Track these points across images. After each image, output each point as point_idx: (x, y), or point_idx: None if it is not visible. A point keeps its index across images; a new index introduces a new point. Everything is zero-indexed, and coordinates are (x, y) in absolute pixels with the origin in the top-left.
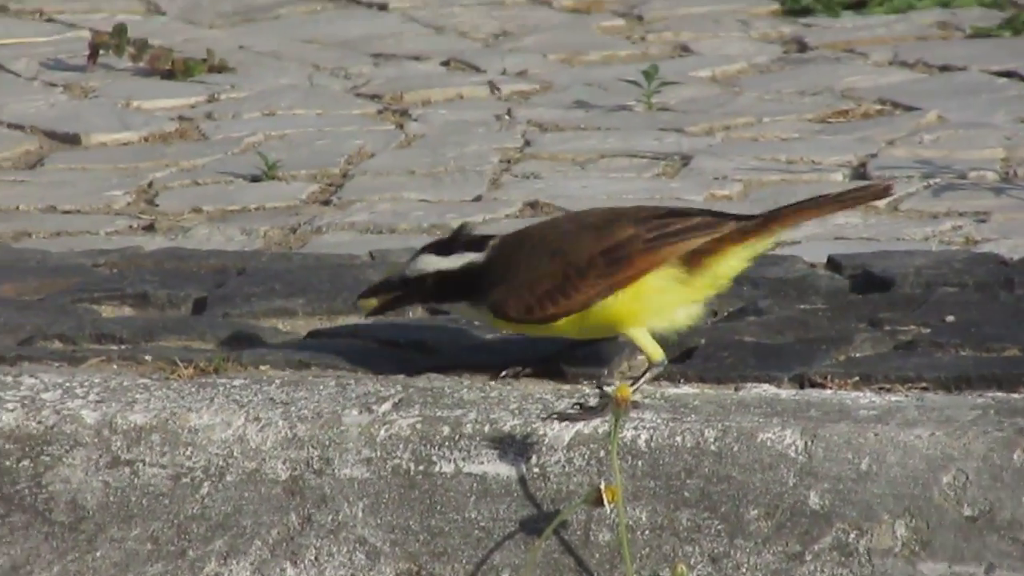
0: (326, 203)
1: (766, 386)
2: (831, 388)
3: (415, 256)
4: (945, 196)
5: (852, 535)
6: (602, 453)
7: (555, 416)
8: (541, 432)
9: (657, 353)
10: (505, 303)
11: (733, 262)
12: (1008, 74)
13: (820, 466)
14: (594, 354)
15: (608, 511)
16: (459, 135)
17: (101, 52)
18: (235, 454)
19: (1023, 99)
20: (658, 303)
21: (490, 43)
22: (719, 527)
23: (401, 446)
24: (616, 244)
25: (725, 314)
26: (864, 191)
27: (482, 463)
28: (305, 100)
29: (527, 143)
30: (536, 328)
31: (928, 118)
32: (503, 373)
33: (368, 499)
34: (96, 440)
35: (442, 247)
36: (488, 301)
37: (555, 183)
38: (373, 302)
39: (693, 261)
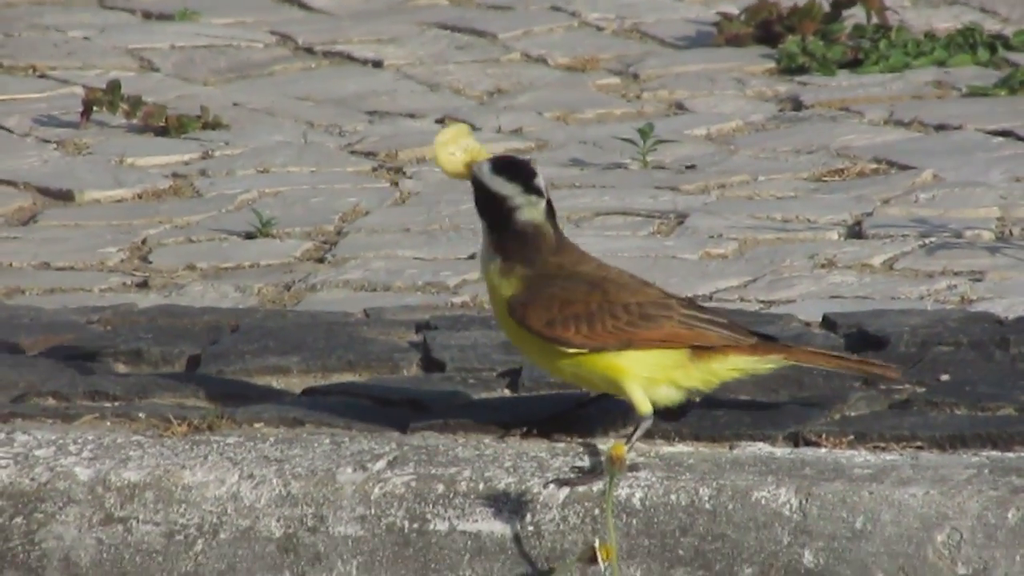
0: (320, 260)
1: (761, 444)
2: (826, 447)
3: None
4: (940, 255)
5: None
6: (597, 511)
7: (555, 482)
8: (536, 490)
9: (646, 406)
10: (529, 306)
11: (733, 370)
12: (1004, 133)
13: (814, 524)
14: (589, 417)
15: (603, 569)
16: (453, 193)
17: (95, 109)
18: (229, 511)
19: (1019, 158)
20: (659, 373)
21: (485, 101)
22: None
23: (396, 504)
24: (653, 303)
25: None
26: (876, 367)
27: (476, 521)
28: (299, 157)
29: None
30: (534, 347)
31: (923, 177)
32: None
33: (362, 557)
34: (89, 497)
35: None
36: (513, 294)
37: None
38: None
39: (704, 354)
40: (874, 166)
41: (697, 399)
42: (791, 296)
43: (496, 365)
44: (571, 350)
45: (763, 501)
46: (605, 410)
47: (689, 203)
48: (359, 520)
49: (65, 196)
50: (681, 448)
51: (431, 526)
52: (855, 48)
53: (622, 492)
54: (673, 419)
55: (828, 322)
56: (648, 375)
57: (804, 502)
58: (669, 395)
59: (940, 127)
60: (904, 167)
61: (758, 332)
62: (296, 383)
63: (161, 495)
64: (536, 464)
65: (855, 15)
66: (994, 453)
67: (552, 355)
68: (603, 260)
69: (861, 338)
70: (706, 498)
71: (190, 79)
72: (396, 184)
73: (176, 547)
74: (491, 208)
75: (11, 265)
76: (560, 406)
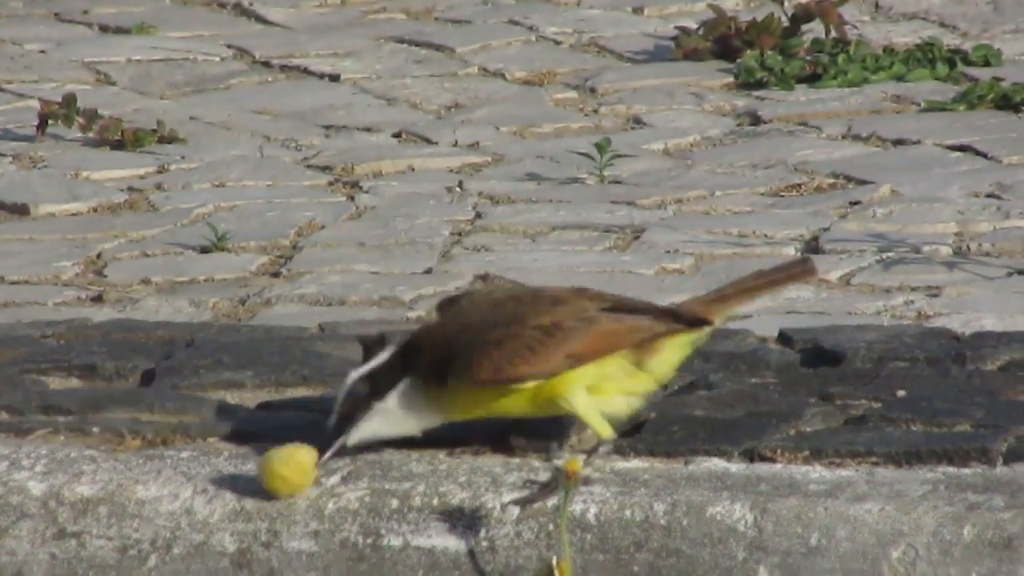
0: (276, 275)
1: (716, 460)
2: (781, 462)
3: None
4: (897, 270)
5: None
6: (551, 526)
7: (513, 503)
8: (490, 505)
9: (606, 431)
10: (474, 362)
11: (677, 352)
12: (962, 148)
13: (770, 540)
14: (542, 429)
15: None
16: (410, 207)
17: (50, 122)
18: (183, 526)
19: (977, 173)
20: (609, 384)
21: (442, 115)
22: None
23: (349, 519)
24: (579, 316)
25: (675, 388)
26: (794, 269)
27: (430, 536)
28: (255, 171)
29: (478, 215)
30: (489, 400)
31: (881, 192)
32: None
33: (316, 572)
34: (43, 512)
35: (358, 365)
36: (446, 368)
37: (506, 256)
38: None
39: (644, 350)
40: (831, 181)
41: (652, 414)
42: (747, 312)
43: None
44: (527, 385)
45: (718, 517)
46: (558, 423)
47: (646, 218)
48: (313, 535)
49: (20, 210)
50: (636, 463)
51: (385, 541)
52: (813, 63)
53: (577, 507)
54: (628, 435)
55: (784, 337)
56: (599, 389)
57: (759, 518)
58: (627, 405)
59: (898, 142)
60: (862, 182)
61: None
62: (250, 398)
63: (115, 510)
64: (490, 479)
65: (814, 29)
66: (950, 469)
67: (505, 401)
68: (557, 276)
69: (817, 353)
70: (661, 513)
71: (147, 93)
72: (352, 199)
73: (130, 562)
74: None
75: None
76: (512, 420)
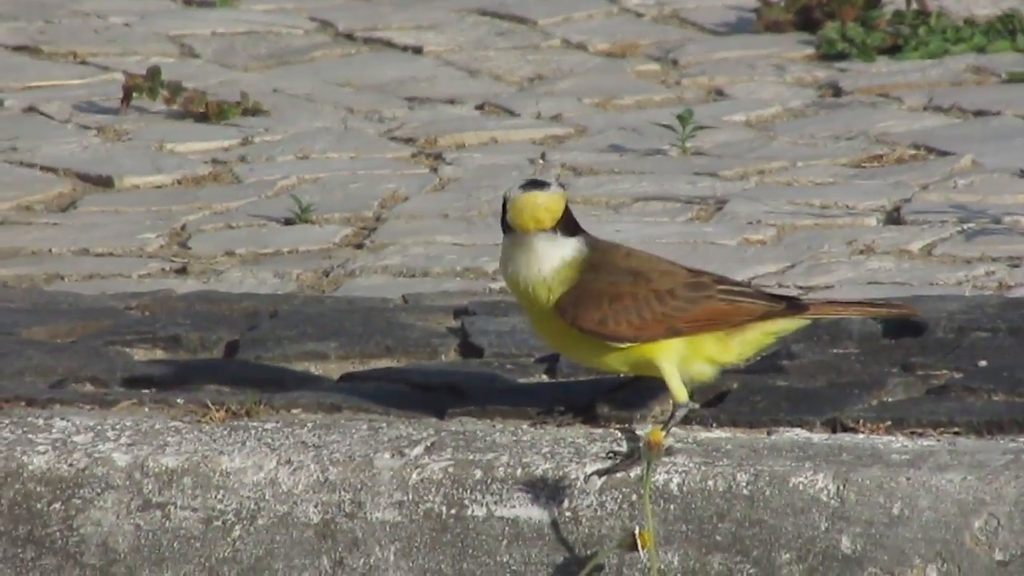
0: (359, 246)
1: (798, 430)
2: (863, 432)
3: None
4: (978, 241)
5: None
6: (634, 497)
7: (596, 473)
8: (573, 476)
9: (682, 394)
10: (580, 308)
11: (766, 335)
12: None
13: (852, 510)
14: (626, 400)
15: (641, 556)
16: (492, 179)
17: (135, 95)
18: (267, 497)
19: None
20: (697, 353)
21: (524, 87)
22: (751, 571)
23: (433, 490)
24: (691, 284)
25: (758, 359)
26: (893, 307)
27: (514, 507)
28: (339, 143)
29: (561, 186)
30: (580, 344)
31: (962, 163)
32: (543, 415)
33: (400, 542)
34: (128, 483)
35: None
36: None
37: (589, 227)
38: None
39: (739, 326)
40: (913, 152)
41: (735, 385)
42: (829, 282)
43: (534, 351)
44: (623, 345)
45: (800, 487)
46: (641, 394)
47: (728, 189)
48: (397, 505)
49: (105, 182)
50: (719, 434)
51: (468, 512)
52: (894, 34)
53: (659, 478)
54: (710, 405)
55: None
56: (687, 355)
57: (842, 488)
58: (704, 371)
59: (979, 113)
60: (943, 153)
61: (778, 295)
62: (334, 369)
63: (199, 481)
64: (573, 450)
65: (894, 1)
66: None
67: (598, 350)
68: (639, 247)
69: (899, 324)
70: (743, 484)
71: (230, 65)
72: (435, 170)
73: (214, 533)
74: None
75: (51, 251)
76: (597, 391)
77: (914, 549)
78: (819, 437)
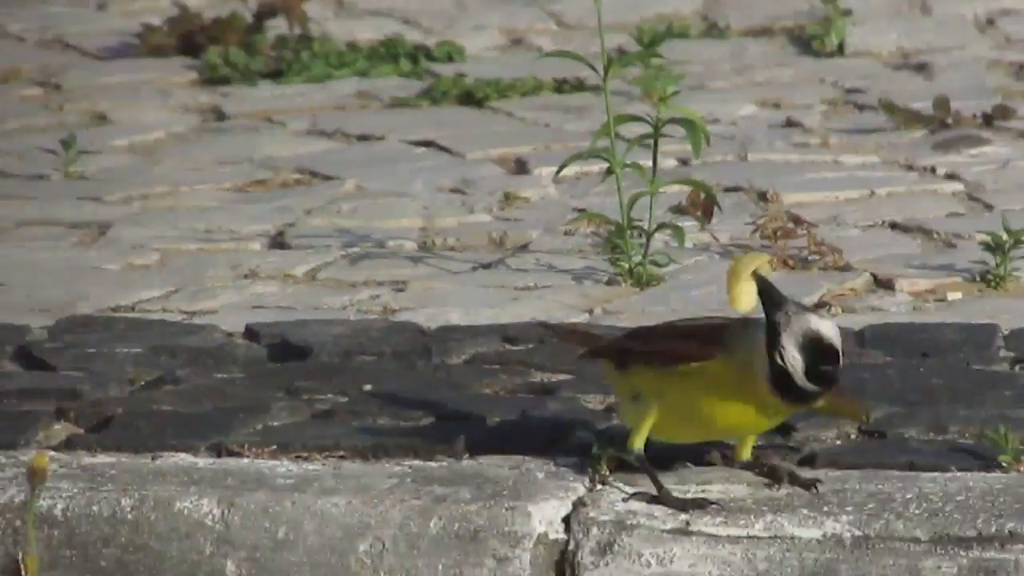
0: None
1: (184, 455)
2: (248, 457)
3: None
4: (363, 265)
5: None
6: (18, 522)
7: None
8: None
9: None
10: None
11: None
12: (426, 143)
13: (237, 535)
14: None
15: None
16: None
17: None
18: None
19: (440, 168)
20: None
21: None
22: None
23: None
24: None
25: (142, 383)
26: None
27: None
28: None
29: None
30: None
31: (347, 187)
32: None
33: None
34: None
35: None
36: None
37: None
38: None
39: None
40: (297, 176)
41: (119, 410)
42: (213, 307)
43: None
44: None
45: (186, 511)
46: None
47: (112, 214)
48: None
49: None
50: (103, 459)
51: None
52: (278, 59)
53: (44, 503)
54: (95, 431)
55: (251, 332)
56: None
57: (227, 512)
58: None
59: (363, 137)
60: (327, 177)
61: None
62: None
63: None
64: None
65: (280, 27)
66: (417, 462)
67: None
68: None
69: (284, 348)
70: (128, 508)
71: None
72: None
73: None
74: None
75: None
76: None
77: (300, 574)
78: (204, 462)
